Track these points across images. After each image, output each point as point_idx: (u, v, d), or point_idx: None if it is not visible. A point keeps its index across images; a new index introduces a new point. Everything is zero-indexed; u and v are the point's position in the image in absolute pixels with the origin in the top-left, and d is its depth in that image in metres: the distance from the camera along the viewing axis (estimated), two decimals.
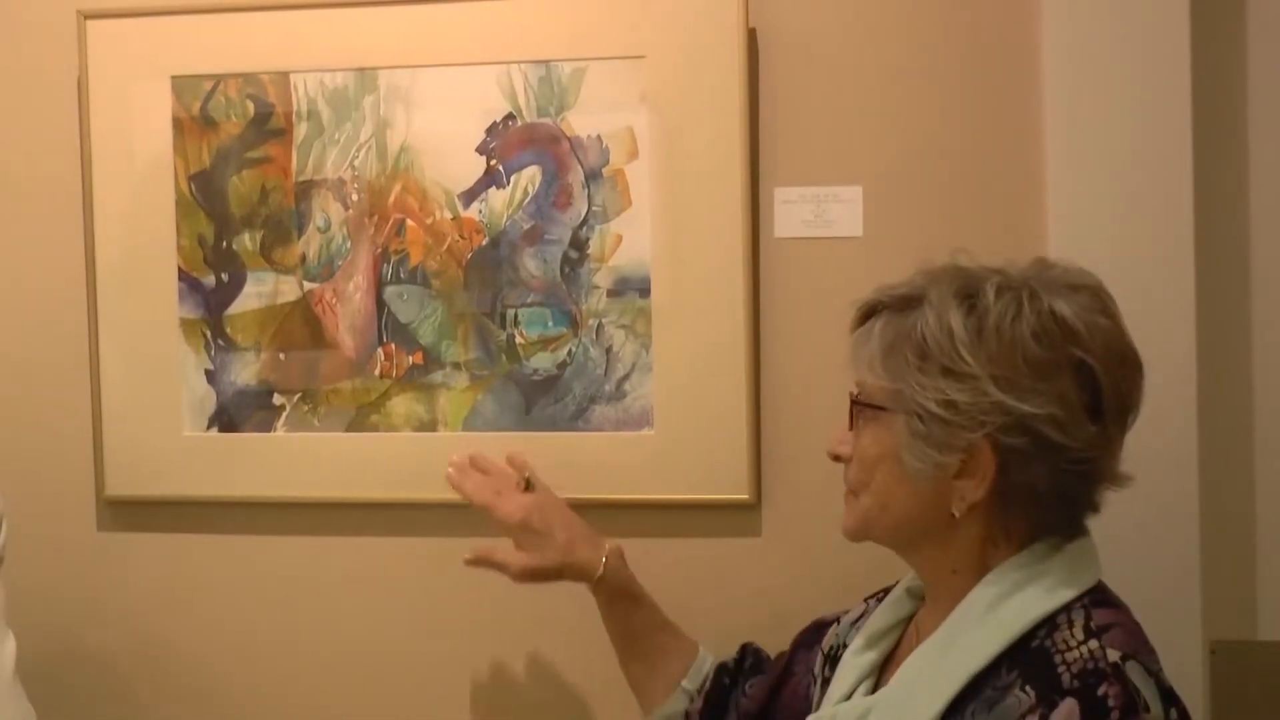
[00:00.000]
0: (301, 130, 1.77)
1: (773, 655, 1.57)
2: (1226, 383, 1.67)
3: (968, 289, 1.20)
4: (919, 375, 1.18)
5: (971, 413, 1.16)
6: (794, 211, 1.70)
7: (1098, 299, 1.21)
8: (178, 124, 1.80)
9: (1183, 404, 1.60)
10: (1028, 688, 1.11)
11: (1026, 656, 1.14)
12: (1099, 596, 1.19)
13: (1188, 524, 1.60)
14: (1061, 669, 1.11)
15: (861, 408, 1.24)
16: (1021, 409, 1.15)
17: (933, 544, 1.24)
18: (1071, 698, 1.08)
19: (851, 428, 1.27)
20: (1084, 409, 1.17)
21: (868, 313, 1.26)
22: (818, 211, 1.70)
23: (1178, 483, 1.59)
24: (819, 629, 1.48)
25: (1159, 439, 1.54)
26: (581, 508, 1.67)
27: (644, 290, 1.72)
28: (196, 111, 1.79)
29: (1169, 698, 1.13)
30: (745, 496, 1.70)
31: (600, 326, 1.73)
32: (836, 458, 1.30)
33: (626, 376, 1.73)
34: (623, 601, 1.58)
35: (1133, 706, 1.08)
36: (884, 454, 1.22)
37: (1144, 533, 1.57)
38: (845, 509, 1.30)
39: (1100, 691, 1.08)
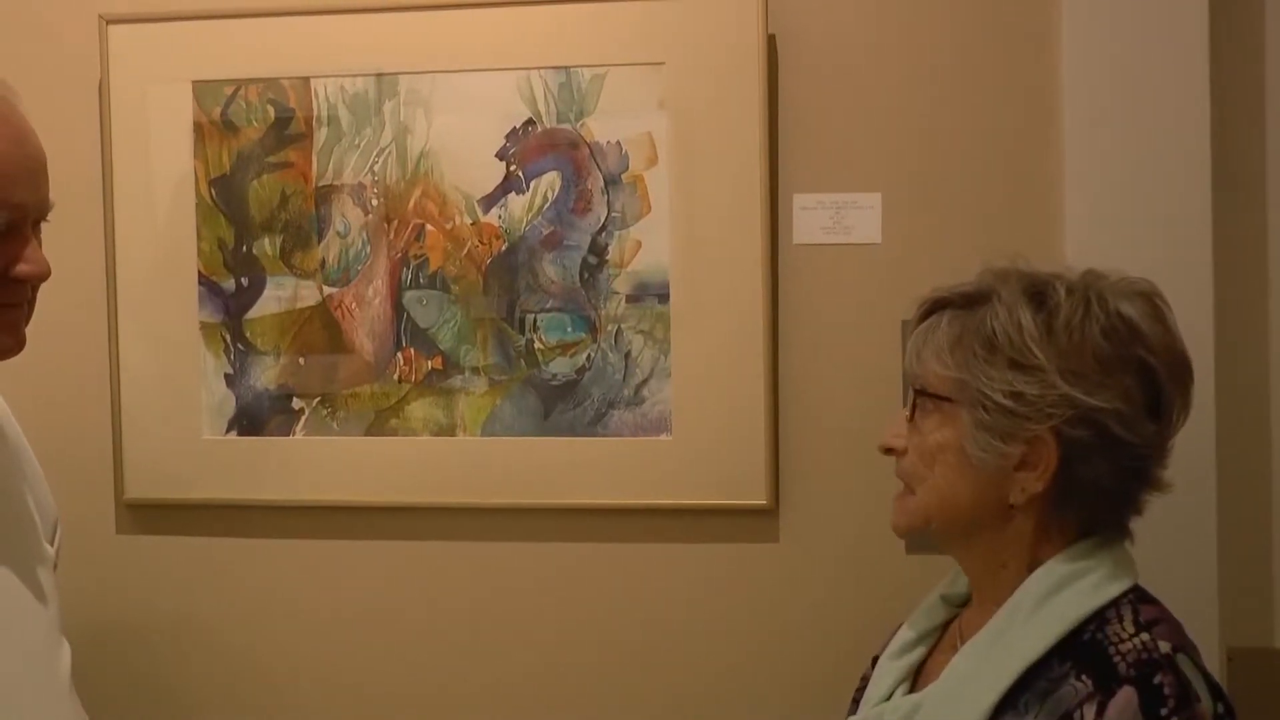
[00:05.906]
0: (322, 135, 1.78)
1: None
2: (1244, 389, 1.67)
3: (1036, 287, 1.23)
4: (985, 367, 1.21)
5: (1039, 405, 1.18)
6: (813, 218, 1.71)
7: (1154, 305, 1.24)
8: (198, 128, 1.80)
9: (1201, 410, 1.58)
10: (1084, 677, 1.13)
11: (1079, 649, 1.16)
12: (1142, 593, 1.22)
13: (1206, 531, 1.61)
14: (1117, 659, 1.13)
15: (924, 398, 1.26)
16: (1088, 402, 1.18)
17: (986, 536, 1.25)
18: (1129, 685, 1.11)
19: (911, 421, 1.28)
20: (1144, 407, 1.21)
21: (930, 309, 1.28)
22: (836, 218, 1.70)
23: (1196, 490, 1.59)
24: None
25: (1177, 445, 1.54)
26: (599, 513, 1.67)
27: (663, 296, 1.72)
28: (217, 116, 1.80)
29: (1216, 691, 1.16)
30: (763, 502, 1.71)
31: (619, 332, 1.73)
32: (889, 450, 1.30)
33: (645, 382, 1.73)
34: None
35: (1186, 697, 1.11)
36: (946, 444, 1.24)
37: (1162, 540, 1.56)
38: (896, 506, 1.30)
39: (1156, 680, 1.11)
